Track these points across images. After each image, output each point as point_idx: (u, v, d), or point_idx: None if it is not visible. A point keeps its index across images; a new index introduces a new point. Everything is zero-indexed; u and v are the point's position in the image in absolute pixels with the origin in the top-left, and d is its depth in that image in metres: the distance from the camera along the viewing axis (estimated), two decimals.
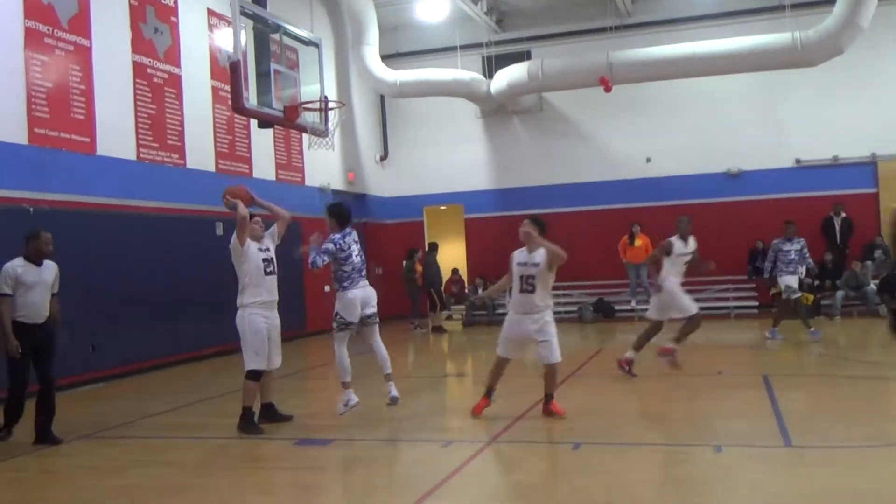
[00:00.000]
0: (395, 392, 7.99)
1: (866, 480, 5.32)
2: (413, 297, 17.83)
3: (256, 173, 15.57)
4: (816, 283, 16.89)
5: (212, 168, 14.30)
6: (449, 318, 19.55)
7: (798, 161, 18.38)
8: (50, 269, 7.54)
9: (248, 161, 15.39)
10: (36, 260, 7.39)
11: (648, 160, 19.22)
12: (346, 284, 7.85)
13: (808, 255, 13.41)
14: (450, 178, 20.60)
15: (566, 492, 5.37)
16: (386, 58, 19.15)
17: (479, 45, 19.97)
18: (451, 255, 21.01)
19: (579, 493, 5.33)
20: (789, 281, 12.77)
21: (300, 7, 17.06)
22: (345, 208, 8.22)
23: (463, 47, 19.66)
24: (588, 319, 17.95)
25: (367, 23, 18.28)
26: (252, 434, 7.38)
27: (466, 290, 19.50)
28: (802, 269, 13.25)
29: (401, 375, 11.87)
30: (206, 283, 13.00)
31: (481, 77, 19.26)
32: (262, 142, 15.74)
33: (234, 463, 6.69)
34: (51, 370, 7.47)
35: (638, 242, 17.66)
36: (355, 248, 7.95)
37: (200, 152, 13.99)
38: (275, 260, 7.88)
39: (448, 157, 20.67)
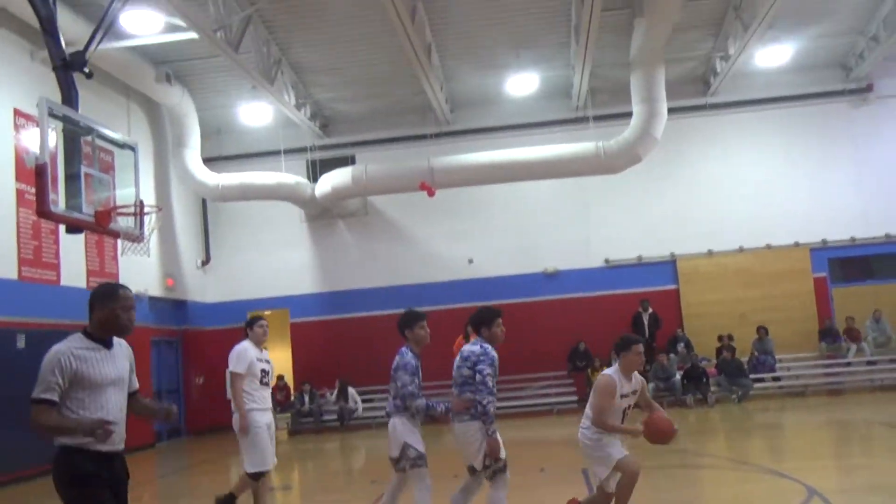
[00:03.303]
0: None
1: None
2: None
3: (65, 280, 14.68)
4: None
5: (14, 276, 13.35)
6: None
7: (607, 261, 19.59)
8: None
9: (56, 268, 14.50)
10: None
11: (470, 261, 19.85)
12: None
13: None
14: (275, 282, 20.30)
15: None
16: (208, 161, 18.93)
17: (303, 150, 20.17)
18: (277, 362, 20.41)
19: None
20: None
21: (117, 108, 16.71)
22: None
23: (287, 151, 19.81)
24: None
25: (188, 126, 18.09)
26: None
27: (292, 398, 19.00)
28: None
29: (222, 488, 11.30)
30: (9, 398, 11.93)
31: (306, 181, 19.37)
32: (73, 247, 14.93)
33: None
34: None
35: None
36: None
37: (2, 259, 13.07)
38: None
39: (273, 260, 20.42)
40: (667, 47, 16.54)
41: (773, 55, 18.16)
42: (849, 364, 18.22)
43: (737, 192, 19.31)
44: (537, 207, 19.81)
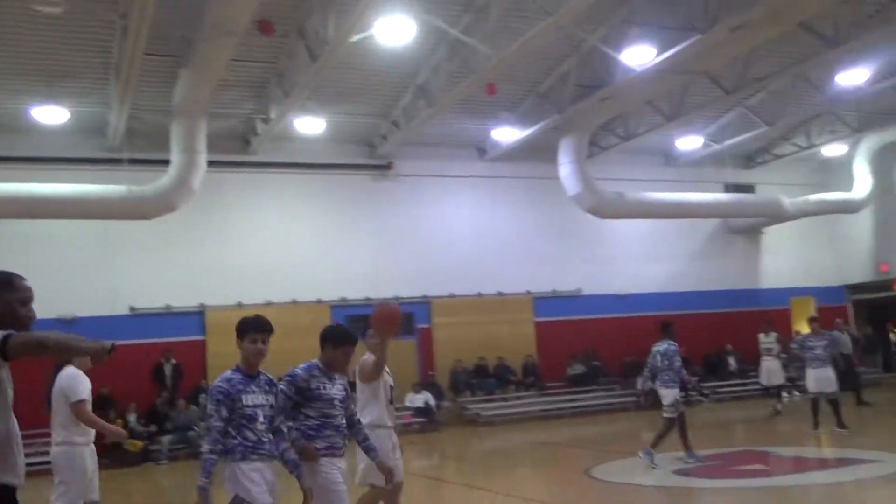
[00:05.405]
0: None
1: None
2: None
3: None
4: (151, 428, 17.27)
5: None
6: None
7: (133, 308, 18.91)
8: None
9: None
10: None
11: None
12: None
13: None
14: None
15: None
16: None
17: None
18: None
19: None
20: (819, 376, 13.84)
21: None
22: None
23: None
24: None
25: None
26: None
27: None
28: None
29: None
30: None
31: None
32: None
33: None
34: None
35: None
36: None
37: None
38: None
39: None
40: (210, 101, 16.76)
41: (309, 124, 19.42)
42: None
43: (266, 249, 20.11)
44: (60, 248, 18.31)
